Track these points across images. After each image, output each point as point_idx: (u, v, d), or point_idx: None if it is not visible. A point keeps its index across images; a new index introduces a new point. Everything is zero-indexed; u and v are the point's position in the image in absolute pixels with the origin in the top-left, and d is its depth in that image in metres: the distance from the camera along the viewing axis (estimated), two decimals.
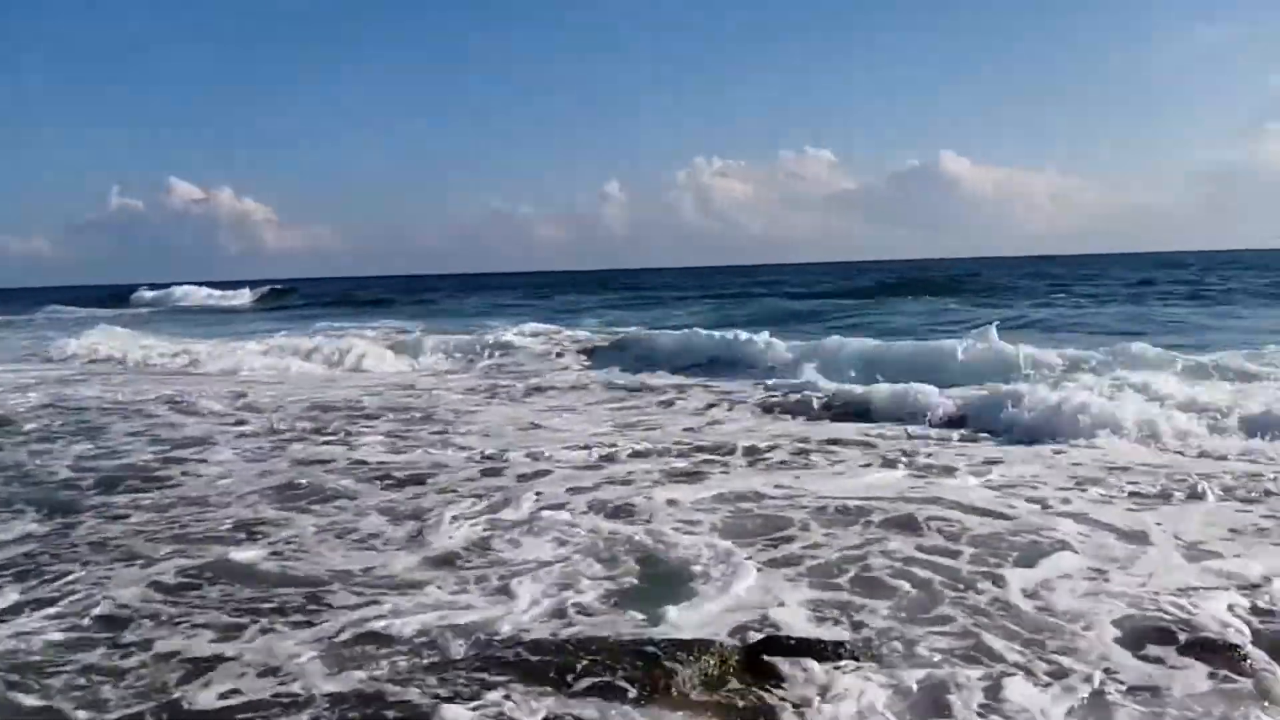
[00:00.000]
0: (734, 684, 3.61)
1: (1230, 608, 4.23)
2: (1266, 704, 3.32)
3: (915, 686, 3.57)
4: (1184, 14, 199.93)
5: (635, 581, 4.84)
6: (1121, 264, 69.43)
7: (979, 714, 3.38)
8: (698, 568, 4.95)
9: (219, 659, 3.91)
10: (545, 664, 3.75)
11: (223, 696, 3.60)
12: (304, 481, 7.18)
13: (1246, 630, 3.98)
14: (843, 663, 3.74)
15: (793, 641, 3.92)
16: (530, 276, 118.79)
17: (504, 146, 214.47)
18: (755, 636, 4.04)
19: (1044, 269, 64.31)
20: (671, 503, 6.30)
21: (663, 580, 4.84)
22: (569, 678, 3.63)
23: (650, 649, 3.83)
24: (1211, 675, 3.57)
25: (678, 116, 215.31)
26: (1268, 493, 6.24)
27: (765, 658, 3.79)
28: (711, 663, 3.69)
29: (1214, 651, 3.76)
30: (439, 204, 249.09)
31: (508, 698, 3.50)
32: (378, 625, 4.24)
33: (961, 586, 4.62)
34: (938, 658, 3.82)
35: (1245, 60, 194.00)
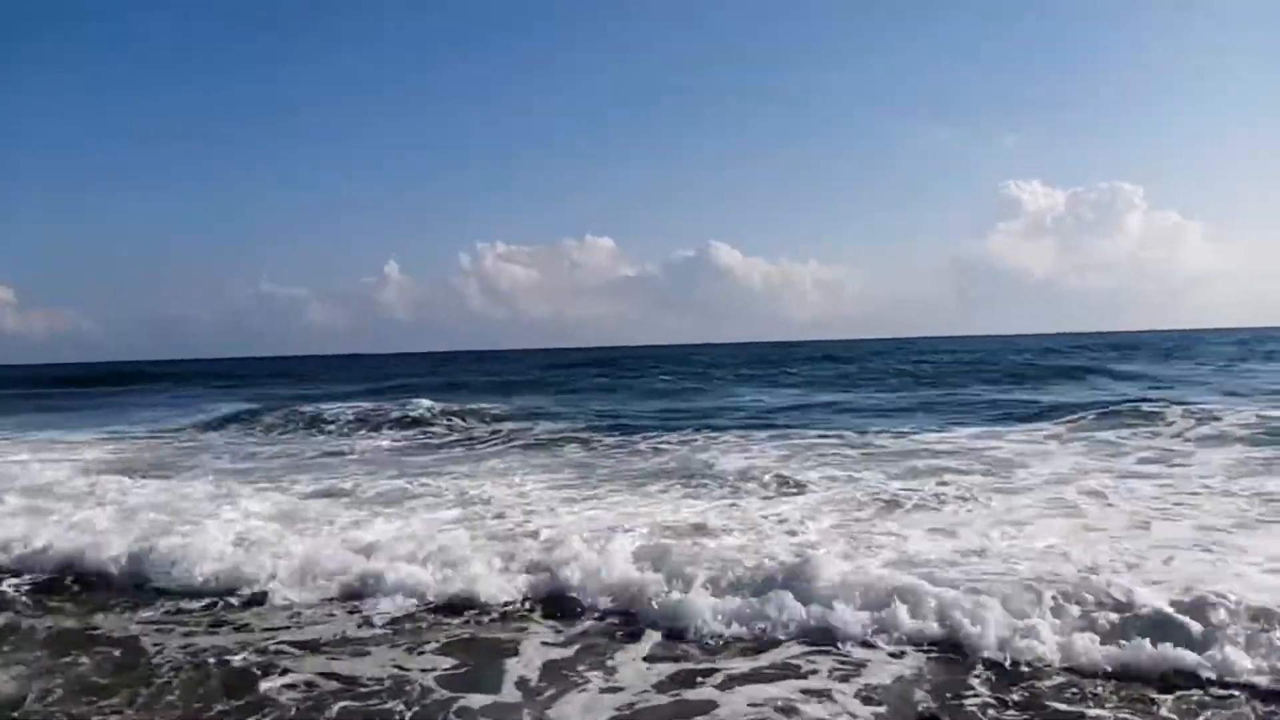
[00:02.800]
0: None
1: None
2: None
3: None
4: (915, 125, 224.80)
5: None
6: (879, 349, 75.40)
7: None
8: None
9: None
10: None
11: None
12: None
13: None
14: None
15: None
16: (296, 361, 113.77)
17: (273, 225, 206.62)
18: None
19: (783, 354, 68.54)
20: None
21: None
22: None
23: None
24: None
25: (456, 199, 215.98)
26: None
27: None
28: None
29: None
30: (207, 285, 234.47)
31: None
32: None
33: None
34: None
35: (977, 163, 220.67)
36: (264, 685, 4.69)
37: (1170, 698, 4.28)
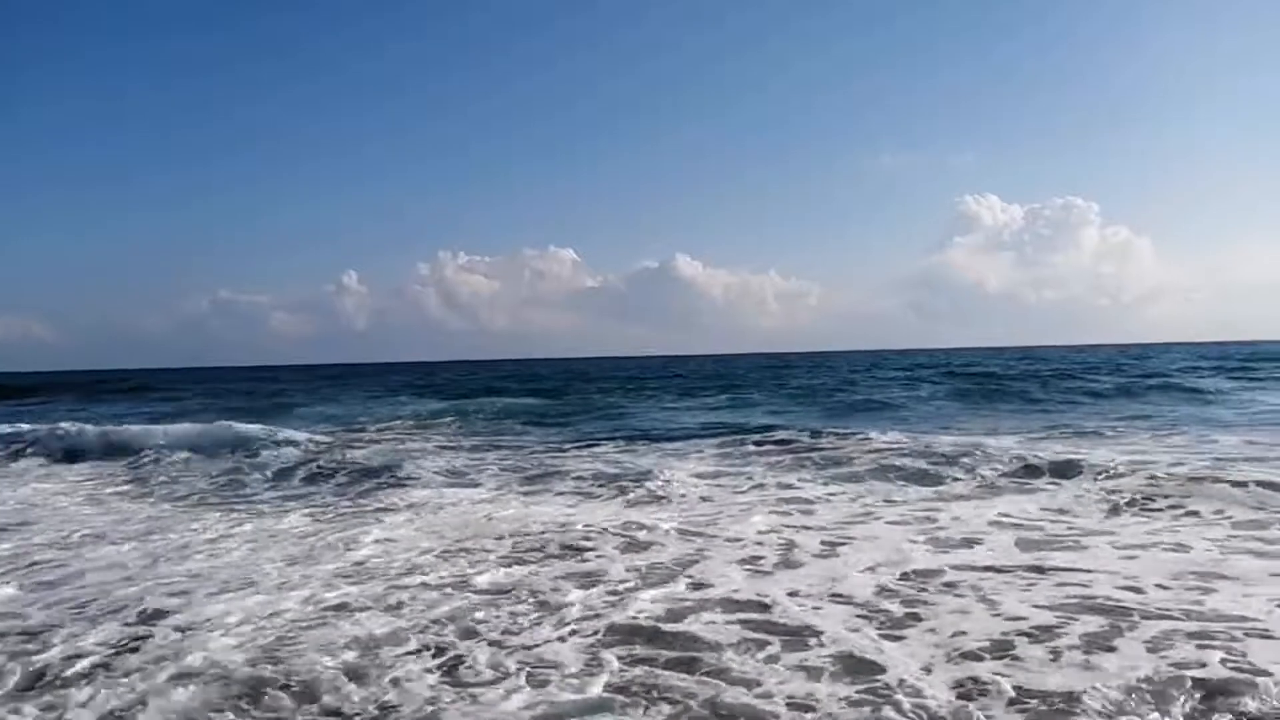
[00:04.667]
0: None
1: None
2: None
3: None
4: (872, 142, 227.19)
5: None
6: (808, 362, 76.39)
7: None
8: None
9: None
10: None
11: None
12: None
13: None
14: None
15: None
16: (251, 371, 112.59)
17: (231, 232, 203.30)
18: None
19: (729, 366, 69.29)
20: None
21: None
22: None
23: None
24: None
25: (416, 209, 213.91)
26: None
27: None
28: None
29: None
30: (163, 292, 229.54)
31: None
32: None
33: None
34: None
35: (935, 179, 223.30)
36: None
37: None
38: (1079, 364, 51.42)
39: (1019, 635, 5.08)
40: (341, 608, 5.97)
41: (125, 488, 12.99)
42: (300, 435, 17.60)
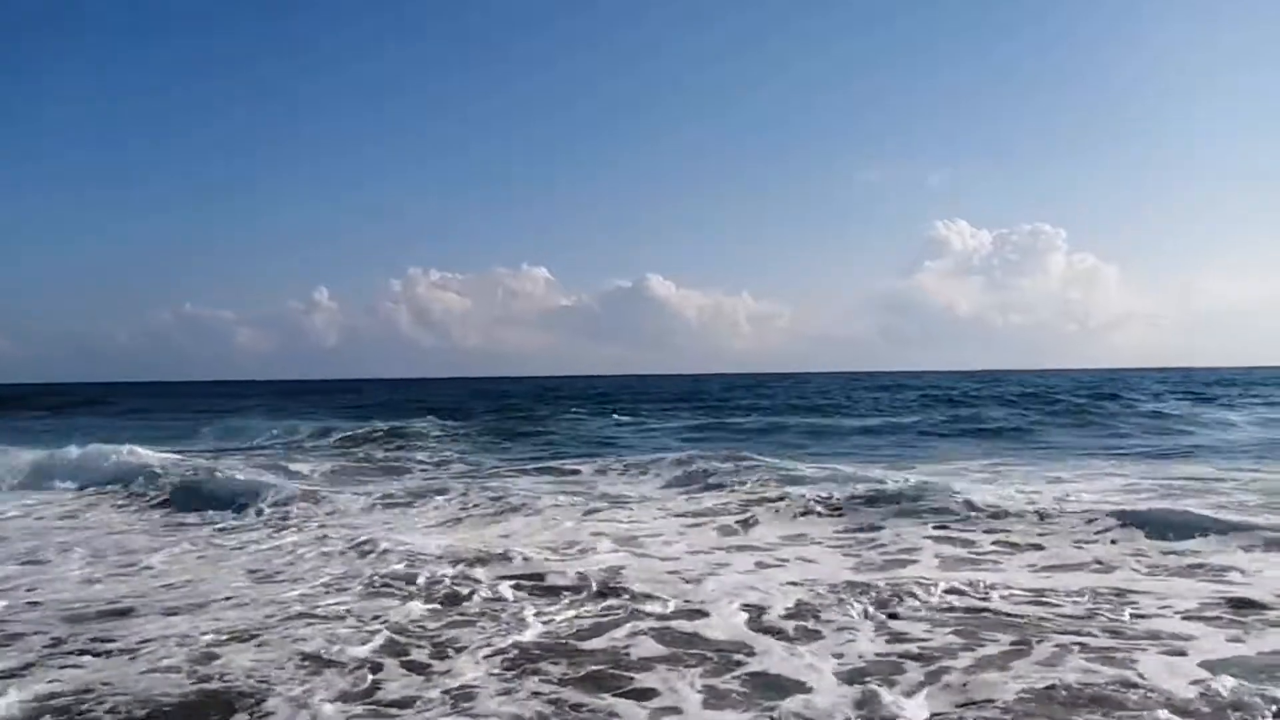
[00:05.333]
0: None
1: None
2: None
3: None
4: (860, 152, 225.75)
5: None
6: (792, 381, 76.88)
7: None
8: None
9: None
10: None
11: None
12: None
13: None
14: None
15: None
16: (222, 386, 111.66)
17: (199, 244, 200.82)
18: None
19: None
20: None
21: None
22: None
23: None
24: None
25: (387, 223, 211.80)
26: None
27: None
28: None
29: None
30: (128, 305, 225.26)
31: None
32: None
33: None
34: None
35: (905, 204, 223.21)
36: None
37: None
38: (1044, 388, 52.06)
39: (918, 654, 5.18)
40: (272, 628, 5.96)
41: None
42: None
